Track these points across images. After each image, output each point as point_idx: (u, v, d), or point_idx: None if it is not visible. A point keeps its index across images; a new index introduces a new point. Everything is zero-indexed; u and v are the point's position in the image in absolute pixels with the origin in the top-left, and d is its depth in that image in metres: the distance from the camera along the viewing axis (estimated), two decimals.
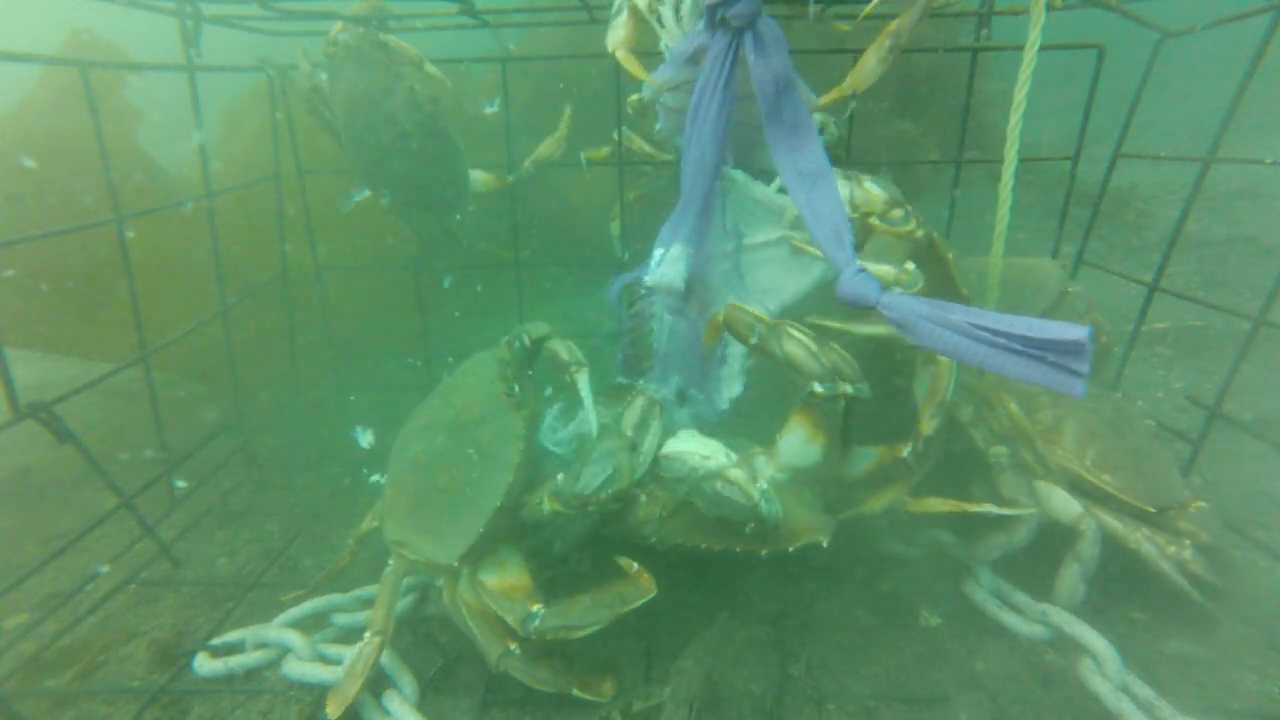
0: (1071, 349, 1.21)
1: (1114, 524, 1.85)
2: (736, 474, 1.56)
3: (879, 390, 1.66)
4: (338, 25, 2.41)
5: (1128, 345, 2.48)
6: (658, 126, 2.15)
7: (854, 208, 1.81)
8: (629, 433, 1.66)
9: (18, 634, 1.84)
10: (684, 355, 2.01)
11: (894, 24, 1.65)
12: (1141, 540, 1.82)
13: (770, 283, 1.94)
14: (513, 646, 1.55)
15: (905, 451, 1.72)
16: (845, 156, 2.60)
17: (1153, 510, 1.84)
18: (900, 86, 4.70)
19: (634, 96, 2.11)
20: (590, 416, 1.84)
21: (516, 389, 1.85)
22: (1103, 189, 2.60)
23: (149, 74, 2.55)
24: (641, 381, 2.07)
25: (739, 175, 1.91)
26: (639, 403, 1.74)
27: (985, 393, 2.09)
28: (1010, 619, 1.77)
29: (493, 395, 1.84)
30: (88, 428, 2.71)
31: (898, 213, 1.80)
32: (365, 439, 2.47)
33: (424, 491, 1.72)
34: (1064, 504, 1.85)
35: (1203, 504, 1.90)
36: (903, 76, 4.64)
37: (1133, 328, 2.44)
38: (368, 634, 1.57)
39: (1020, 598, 1.81)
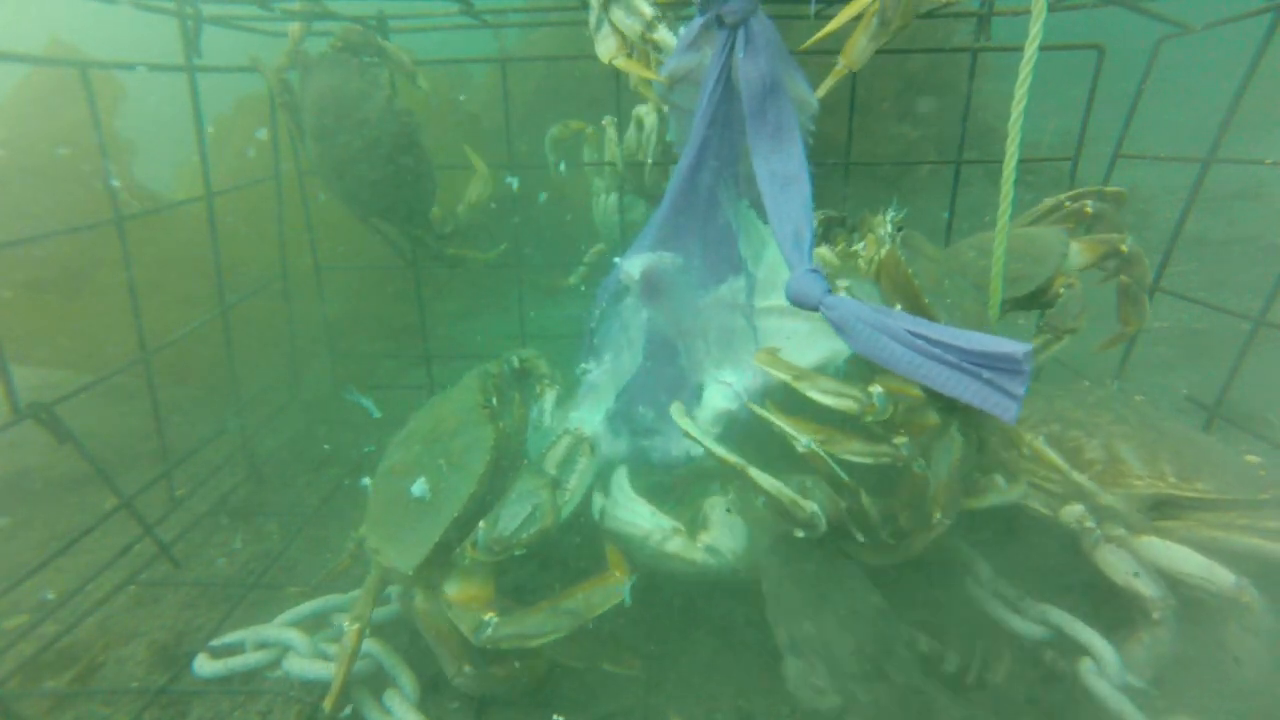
0: (1009, 366, 1.16)
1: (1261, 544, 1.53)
2: (675, 545, 1.58)
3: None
4: (297, 27, 2.39)
5: (1128, 345, 2.48)
6: (669, 136, 2.11)
7: None
8: (551, 470, 1.64)
9: (18, 634, 1.84)
10: (653, 378, 1.88)
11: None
12: None
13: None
14: (467, 668, 1.54)
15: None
16: (845, 158, 2.61)
17: (1267, 498, 1.58)
18: (899, 89, 4.71)
19: (655, 97, 2.08)
20: (543, 426, 1.85)
21: (494, 401, 1.84)
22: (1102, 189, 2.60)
23: (133, 99, 2.51)
24: (587, 365, 1.96)
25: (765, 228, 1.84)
26: (564, 440, 1.71)
27: (1010, 451, 1.77)
28: (1010, 618, 1.77)
29: (472, 408, 1.82)
30: (87, 429, 2.71)
31: None
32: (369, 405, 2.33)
33: (395, 500, 1.71)
34: (1200, 567, 1.53)
35: (1256, 459, 1.71)
36: (902, 78, 4.66)
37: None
38: (347, 623, 1.57)
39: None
